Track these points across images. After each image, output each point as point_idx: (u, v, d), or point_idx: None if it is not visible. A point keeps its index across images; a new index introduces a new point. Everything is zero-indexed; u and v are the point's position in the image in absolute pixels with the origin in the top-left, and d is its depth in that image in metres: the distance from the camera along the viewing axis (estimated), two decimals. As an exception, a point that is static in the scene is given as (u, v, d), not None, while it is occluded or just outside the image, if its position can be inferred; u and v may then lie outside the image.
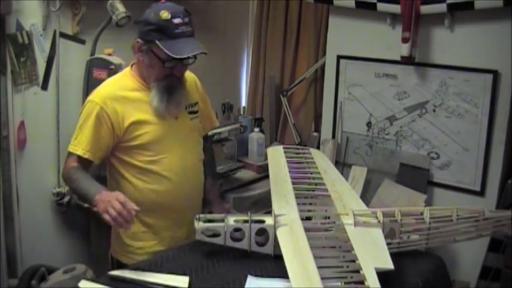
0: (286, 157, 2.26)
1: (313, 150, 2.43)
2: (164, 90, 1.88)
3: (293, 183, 1.99)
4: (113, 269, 2.00)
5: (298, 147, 2.81)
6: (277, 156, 2.29)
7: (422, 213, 1.82)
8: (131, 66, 1.98)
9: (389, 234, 1.74)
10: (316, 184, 2.05)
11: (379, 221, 1.73)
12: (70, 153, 1.90)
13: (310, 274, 1.41)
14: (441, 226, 1.81)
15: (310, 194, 1.98)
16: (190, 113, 2.02)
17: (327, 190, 1.97)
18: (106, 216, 1.64)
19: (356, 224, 1.71)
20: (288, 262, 1.50)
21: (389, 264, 1.52)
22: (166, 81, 1.88)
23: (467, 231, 1.87)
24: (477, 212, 1.88)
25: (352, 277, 1.45)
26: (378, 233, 1.68)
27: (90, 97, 1.91)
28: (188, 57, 1.84)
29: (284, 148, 2.38)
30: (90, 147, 1.87)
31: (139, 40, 1.85)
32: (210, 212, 2.15)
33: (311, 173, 2.14)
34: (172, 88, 1.89)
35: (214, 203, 2.24)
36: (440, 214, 1.83)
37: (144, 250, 1.97)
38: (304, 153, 2.35)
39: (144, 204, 1.86)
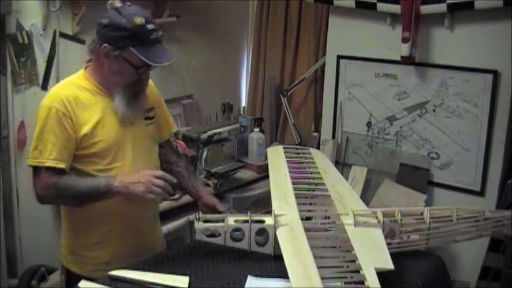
0: (286, 157, 2.25)
1: (313, 150, 2.43)
2: (131, 96, 1.78)
3: (293, 183, 1.98)
4: (66, 279, 1.95)
5: (298, 147, 2.81)
6: (277, 156, 2.28)
7: (422, 213, 1.81)
8: (85, 68, 1.84)
9: (389, 234, 1.74)
10: (316, 184, 2.04)
11: (379, 221, 1.73)
12: (37, 168, 1.71)
13: (310, 274, 1.41)
14: (441, 226, 1.81)
15: (310, 194, 1.97)
16: (146, 118, 1.90)
17: (327, 190, 1.97)
18: (150, 196, 1.67)
19: (356, 224, 1.70)
20: (288, 262, 1.49)
21: (389, 264, 1.52)
22: (134, 87, 1.78)
23: (467, 231, 1.86)
24: (477, 212, 1.87)
25: (352, 277, 1.45)
26: (378, 233, 1.68)
27: (45, 101, 1.74)
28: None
29: (284, 148, 2.38)
30: (59, 154, 1.70)
31: (106, 45, 1.71)
32: (209, 207, 2.02)
33: (311, 173, 2.13)
34: (139, 94, 1.81)
35: (204, 195, 2.07)
36: (440, 214, 1.83)
37: (97, 260, 1.86)
38: (304, 153, 2.34)
39: (98, 213, 1.81)
